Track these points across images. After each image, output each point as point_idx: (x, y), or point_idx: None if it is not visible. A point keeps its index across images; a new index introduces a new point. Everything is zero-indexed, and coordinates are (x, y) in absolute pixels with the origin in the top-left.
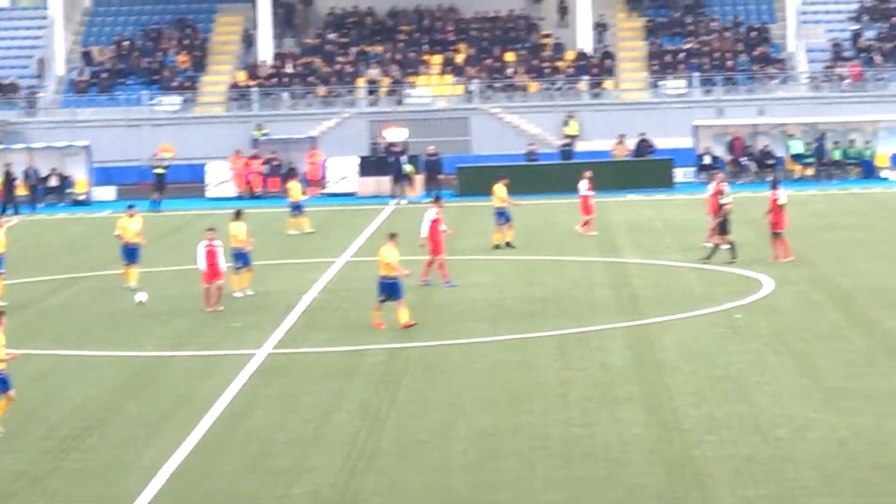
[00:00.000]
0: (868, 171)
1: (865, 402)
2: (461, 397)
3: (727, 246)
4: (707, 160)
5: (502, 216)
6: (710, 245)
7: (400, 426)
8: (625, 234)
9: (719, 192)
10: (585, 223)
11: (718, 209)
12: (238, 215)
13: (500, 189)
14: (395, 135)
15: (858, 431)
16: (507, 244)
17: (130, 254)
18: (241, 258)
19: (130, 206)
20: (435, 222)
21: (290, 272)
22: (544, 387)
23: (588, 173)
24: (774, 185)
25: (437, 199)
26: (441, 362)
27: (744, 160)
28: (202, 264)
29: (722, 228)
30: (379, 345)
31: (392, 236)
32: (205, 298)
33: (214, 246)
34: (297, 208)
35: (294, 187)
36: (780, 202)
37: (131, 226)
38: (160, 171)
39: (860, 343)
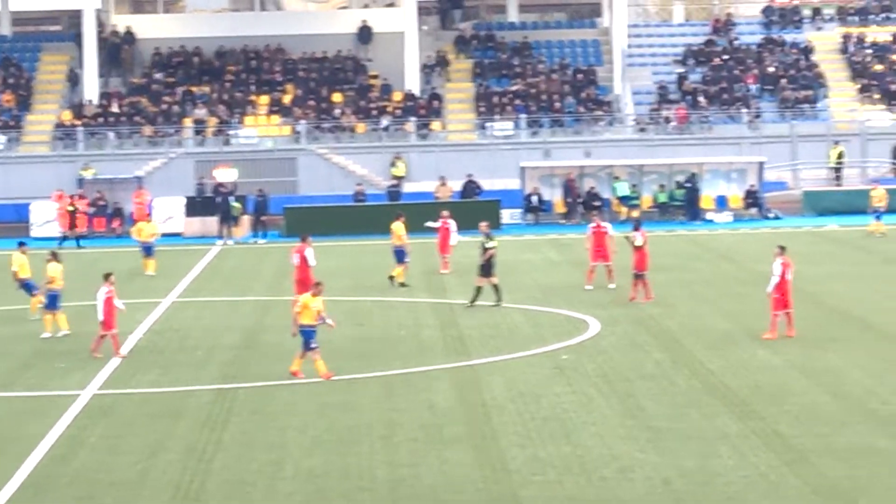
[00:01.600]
0: (694, 213)
1: (690, 443)
2: (287, 438)
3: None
4: (535, 201)
5: (401, 254)
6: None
7: (226, 467)
8: (452, 275)
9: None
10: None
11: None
12: (54, 256)
13: (398, 227)
14: (225, 175)
15: (683, 472)
16: (392, 279)
17: None
18: (51, 299)
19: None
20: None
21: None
22: (371, 428)
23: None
24: (637, 227)
25: (304, 238)
26: (267, 403)
27: (577, 201)
28: (100, 313)
29: (485, 271)
30: (205, 385)
31: (317, 284)
32: (96, 345)
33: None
34: (147, 250)
35: (144, 228)
36: (636, 244)
37: None
38: None
39: (685, 384)
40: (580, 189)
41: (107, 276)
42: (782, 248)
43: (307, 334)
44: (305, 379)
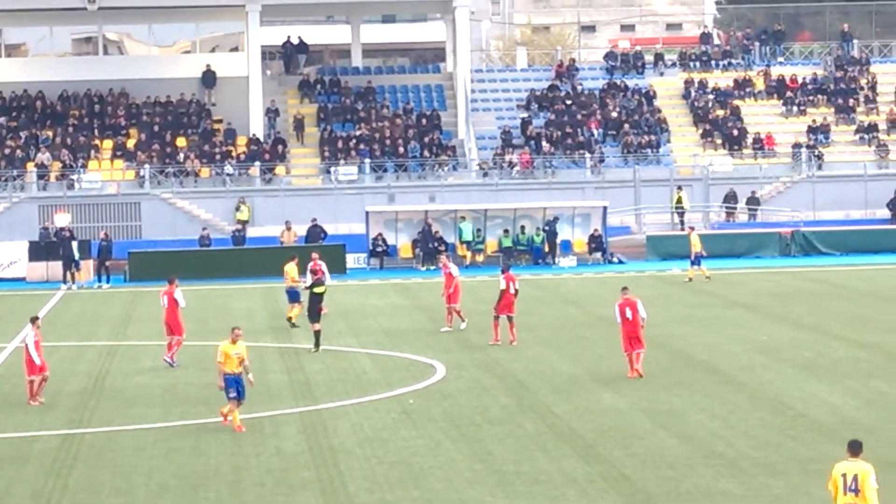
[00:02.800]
0: (538, 257)
1: (537, 486)
2: (134, 483)
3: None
4: (380, 246)
5: (293, 295)
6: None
7: None
8: (298, 319)
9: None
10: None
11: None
12: None
13: (291, 268)
14: (62, 220)
15: None
16: (291, 322)
17: None
18: None
19: None
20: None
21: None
22: (218, 473)
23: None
24: (505, 270)
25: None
26: (113, 448)
27: (432, 246)
28: (36, 357)
29: (312, 315)
30: (50, 431)
31: (234, 330)
32: (30, 391)
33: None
34: None
35: None
36: (500, 287)
37: None
38: None
39: (532, 427)
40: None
41: (34, 320)
42: (625, 289)
43: (227, 382)
44: (157, 424)
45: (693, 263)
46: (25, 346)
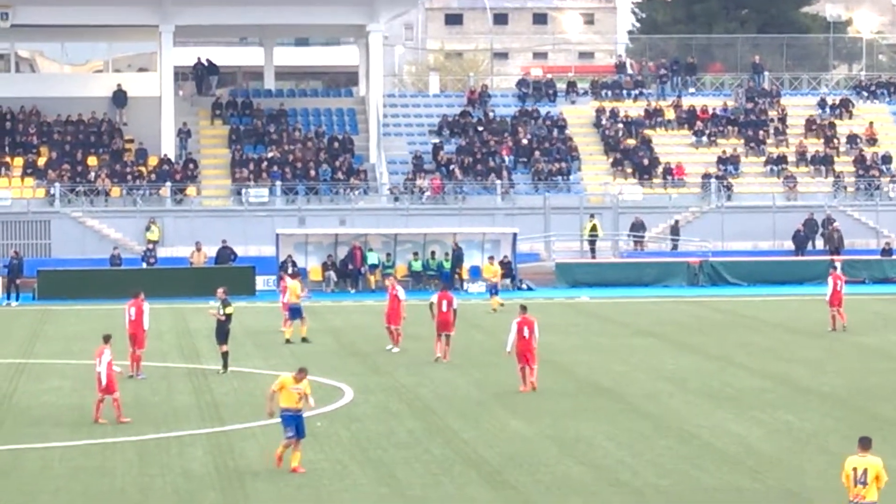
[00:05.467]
0: (447, 282)
1: None
2: (38, 503)
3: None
4: (290, 269)
5: (296, 312)
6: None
7: None
8: (206, 341)
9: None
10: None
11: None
12: None
13: (294, 285)
14: None
15: None
16: (304, 339)
17: None
18: None
19: None
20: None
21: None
22: (124, 493)
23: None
24: (442, 290)
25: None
26: (18, 466)
27: (362, 269)
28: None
29: (219, 337)
30: None
31: (301, 370)
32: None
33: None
34: None
35: None
36: (432, 305)
37: None
38: None
39: (438, 452)
40: (334, 258)
41: (107, 339)
42: (523, 308)
43: (285, 420)
44: (64, 443)
45: (491, 293)
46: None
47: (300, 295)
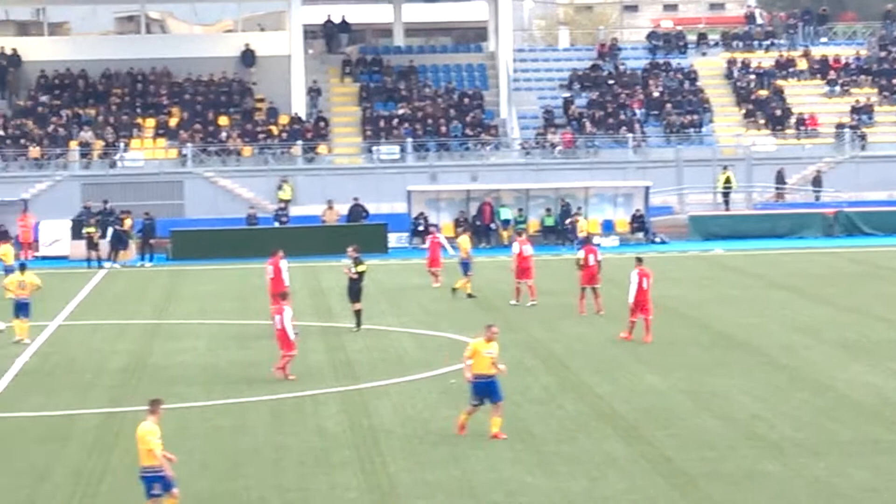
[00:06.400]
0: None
1: (577, 466)
2: (176, 462)
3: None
4: (421, 225)
5: (465, 266)
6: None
7: (113, 491)
8: (339, 299)
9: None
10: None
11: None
12: None
13: (464, 240)
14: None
15: (570, 495)
16: (454, 290)
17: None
18: None
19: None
20: None
21: (2, 335)
22: (259, 452)
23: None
24: (585, 243)
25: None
26: None
27: (493, 226)
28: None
29: (352, 295)
30: (92, 409)
31: (489, 327)
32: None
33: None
34: (9, 271)
35: (6, 251)
36: (579, 260)
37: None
38: None
39: (572, 408)
40: (466, 213)
41: (284, 296)
42: (639, 259)
43: (477, 386)
44: (199, 403)
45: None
46: (282, 324)
47: (468, 251)
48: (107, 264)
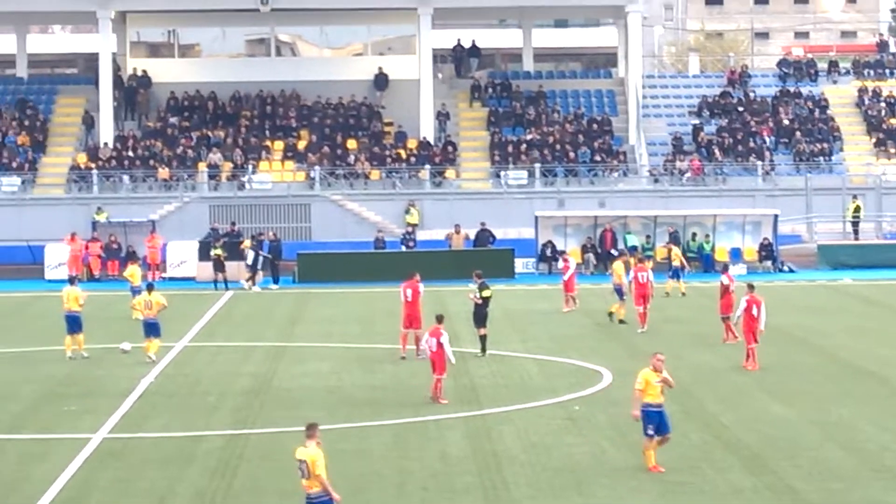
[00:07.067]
0: (707, 264)
1: (701, 497)
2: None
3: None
4: (548, 251)
5: (619, 292)
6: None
7: None
8: (465, 324)
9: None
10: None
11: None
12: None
13: (618, 266)
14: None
15: None
16: (611, 315)
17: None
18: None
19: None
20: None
21: (127, 356)
22: (382, 476)
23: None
24: (724, 270)
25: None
26: (278, 450)
27: (614, 251)
28: (451, 356)
29: (477, 320)
30: (216, 431)
31: (655, 356)
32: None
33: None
34: (136, 292)
35: (134, 271)
36: (723, 285)
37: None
38: None
39: (697, 437)
40: (593, 240)
41: (440, 319)
42: (751, 287)
43: (649, 416)
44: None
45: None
46: (441, 345)
47: (622, 276)
48: (248, 285)
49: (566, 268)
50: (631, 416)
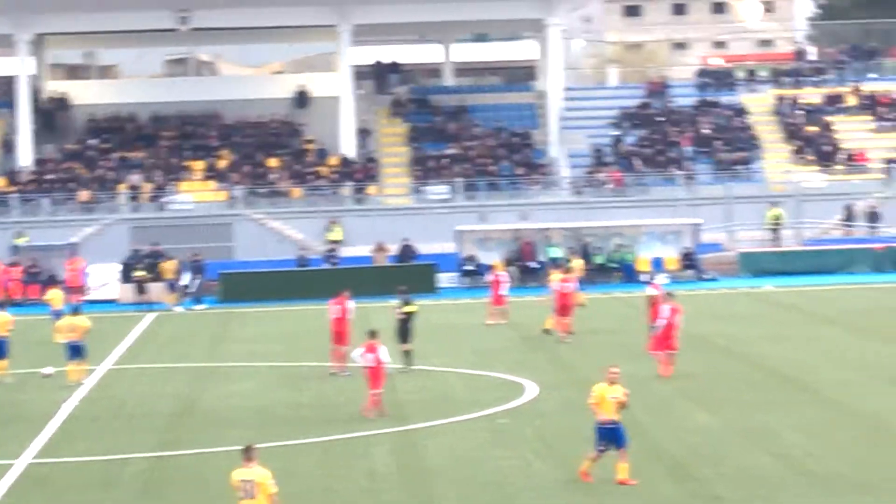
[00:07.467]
0: (629, 275)
1: None
2: None
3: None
4: (470, 266)
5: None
6: None
7: None
8: (388, 340)
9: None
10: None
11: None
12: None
13: (557, 277)
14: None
15: None
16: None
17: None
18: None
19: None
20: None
21: (49, 380)
22: (308, 494)
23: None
24: (651, 280)
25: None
26: (204, 471)
27: (532, 265)
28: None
29: (401, 336)
30: (141, 453)
31: (611, 370)
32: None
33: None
34: (58, 315)
35: (55, 295)
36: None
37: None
38: None
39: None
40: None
41: (374, 334)
42: (670, 295)
43: (602, 432)
44: None
45: None
46: (379, 360)
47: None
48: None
49: (496, 281)
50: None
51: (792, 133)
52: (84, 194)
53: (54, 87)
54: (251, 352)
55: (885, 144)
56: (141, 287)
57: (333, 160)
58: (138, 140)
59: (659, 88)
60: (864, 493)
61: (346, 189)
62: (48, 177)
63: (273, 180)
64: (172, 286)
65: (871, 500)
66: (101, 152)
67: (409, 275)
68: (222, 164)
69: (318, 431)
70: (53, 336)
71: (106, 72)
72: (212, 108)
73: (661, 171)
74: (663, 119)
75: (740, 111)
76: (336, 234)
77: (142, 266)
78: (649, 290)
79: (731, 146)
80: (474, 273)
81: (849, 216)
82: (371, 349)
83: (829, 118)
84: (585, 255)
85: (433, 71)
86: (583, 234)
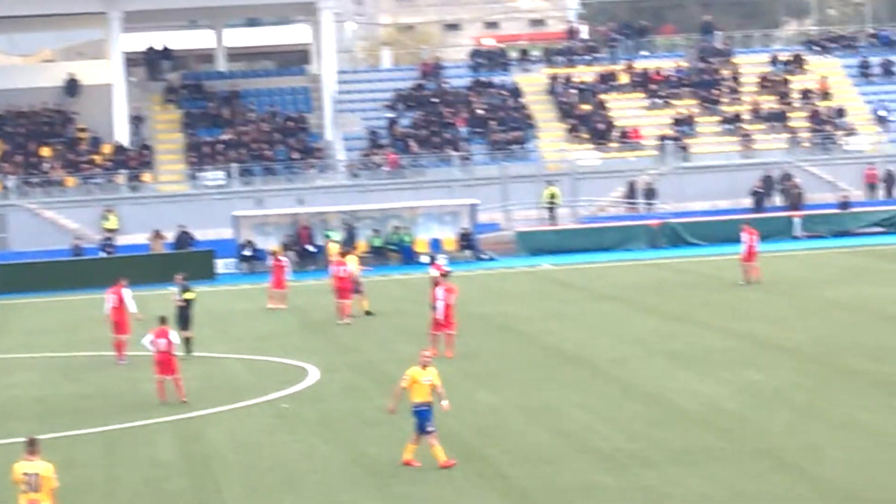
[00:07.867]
0: (408, 256)
1: (413, 487)
2: (4, 499)
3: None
4: (248, 251)
5: (357, 286)
6: None
7: None
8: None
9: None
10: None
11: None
12: None
13: (352, 260)
14: None
15: None
16: (368, 313)
17: None
18: None
19: None
20: None
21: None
22: (92, 484)
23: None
24: (433, 261)
25: None
26: None
27: (310, 248)
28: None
29: (181, 322)
30: None
31: (424, 354)
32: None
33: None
34: None
35: None
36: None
37: None
38: None
39: (408, 428)
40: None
41: (164, 321)
42: (444, 275)
43: (420, 414)
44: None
45: None
46: (171, 344)
47: (361, 268)
48: None
49: (278, 266)
50: (386, 409)
51: (566, 112)
52: None
53: None
54: (29, 343)
55: (658, 121)
56: None
57: (107, 148)
58: None
59: (432, 70)
60: (645, 467)
61: (121, 177)
62: None
63: (46, 170)
64: None
65: (652, 472)
66: None
67: (186, 262)
68: None
69: (100, 421)
70: None
71: None
72: None
73: (437, 152)
74: (437, 100)
75: (514, 91)
76: (112, 222)
77: None
78: (432, 272)
79: (505, 126)
80: (252, 258)
81: (630, 193)
82: (162, 335)
83: (602, 96)
84: (352, 237)
85: (206, 56)
86: (357, 217)
